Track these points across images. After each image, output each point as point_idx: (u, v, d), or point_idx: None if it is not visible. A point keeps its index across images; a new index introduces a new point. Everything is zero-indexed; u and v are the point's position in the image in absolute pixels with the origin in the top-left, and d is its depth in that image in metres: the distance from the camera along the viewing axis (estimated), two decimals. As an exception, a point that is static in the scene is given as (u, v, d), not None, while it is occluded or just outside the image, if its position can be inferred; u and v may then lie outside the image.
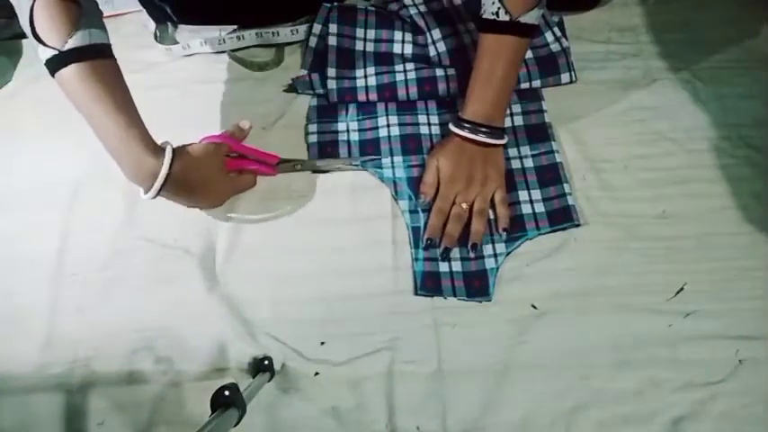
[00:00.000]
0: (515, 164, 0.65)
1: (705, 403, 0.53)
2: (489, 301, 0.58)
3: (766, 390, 0.54)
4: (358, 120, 0.69)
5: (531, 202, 0.63)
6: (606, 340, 0.56)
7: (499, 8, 0.57)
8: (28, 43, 0.79)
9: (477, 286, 0.59)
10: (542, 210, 0.63)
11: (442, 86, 0.68)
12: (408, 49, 0.72)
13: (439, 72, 0.69)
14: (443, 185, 0.62)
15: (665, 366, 0.55)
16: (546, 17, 0.71)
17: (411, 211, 0.63)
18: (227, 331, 0.58)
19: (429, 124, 0.68)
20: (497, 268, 0.60)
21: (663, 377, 0.54)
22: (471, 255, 0.60)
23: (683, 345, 0.56)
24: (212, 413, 0.40)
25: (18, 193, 0.67)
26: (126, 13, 0.80)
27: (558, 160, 0.65)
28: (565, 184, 0.63)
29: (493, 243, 0.61)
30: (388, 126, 0.68)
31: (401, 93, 0.68)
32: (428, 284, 0.59)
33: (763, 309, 0.57)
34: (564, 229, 0.61)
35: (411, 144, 0.67)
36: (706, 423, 0.52)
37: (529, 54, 0.69)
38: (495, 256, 0.60)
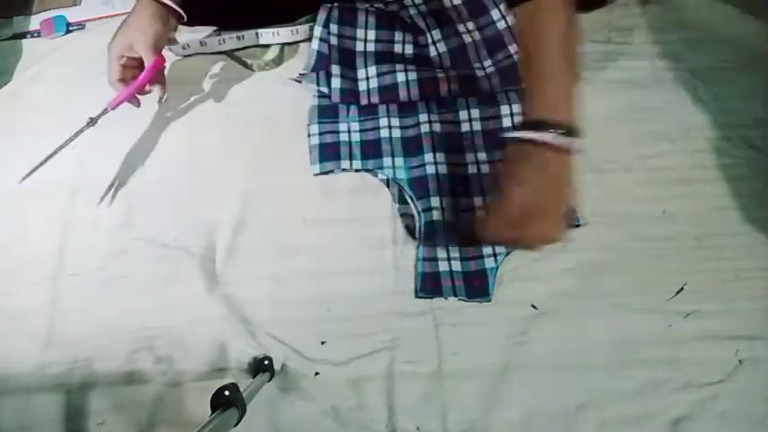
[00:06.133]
0: (515, 164, 0.65)
1: (705, 403, 0.53)
2: (489, 301, 0.58)
3: (766, 390, 0.54)
4: (359, 121, 0.69)
5: (531, 202, 0.63)
6: (606, 340, 0.56)
7: None
8: (28, 43, 0.79)
9: (476, 286, 0.59)
10: (542, 210, 0.62)
11: (443, 87, 0.68)
12: (409, 50, 0.72)
13: (440, 73, 0.69)
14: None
15: (665, 366, 0.55)
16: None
17: (425, 210, 0.63)
18: (227, 331, 0.58)
19: (430, 122, 0.68)
20: (497, 268, 0.60)
21: (663, 377, 0.54)
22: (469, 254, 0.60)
23: (683, 345, 0.56)
24: (212, 413, 0.40)
25: (18, 193, 0.67)
26: (125, 14, 0.79)
27: (558, 160, 0.64)
28: (565, 185, 0.63)
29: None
30: (390, 128, 0.68)
31: (402, 94, 0.68)
32: (428, 286, 0.59)
33: (763, 309, 0.57)
34: (564, 229, 0.62)
35: (412, 146, 0.67)
36: (706, 423, 0.52)
37: (529, 54, 0.69)
38: (495, 255, 0.60)
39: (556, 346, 0.56)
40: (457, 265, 0.60)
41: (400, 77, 0.69)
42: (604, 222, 0.62)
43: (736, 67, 0.71)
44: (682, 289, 0.58)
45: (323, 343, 0.58)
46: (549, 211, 0.49)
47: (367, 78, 0.70)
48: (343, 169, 0.66)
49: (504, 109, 0.68)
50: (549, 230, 0.49)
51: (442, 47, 0.72)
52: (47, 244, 0.63)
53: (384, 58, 0.72)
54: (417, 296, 0.59)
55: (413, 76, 0.69)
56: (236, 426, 0.41)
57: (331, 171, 0.66)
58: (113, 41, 0.63)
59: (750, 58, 0.71)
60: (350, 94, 0.70)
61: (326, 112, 0.70)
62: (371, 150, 0.67)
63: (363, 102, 0.69)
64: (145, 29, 0.62)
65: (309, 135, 0.68)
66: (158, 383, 0.56)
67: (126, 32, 0.62)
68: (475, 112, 0.68)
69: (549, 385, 0.55)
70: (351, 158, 0.67)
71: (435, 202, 0.63)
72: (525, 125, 0.49)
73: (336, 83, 0.69)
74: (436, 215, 0.62)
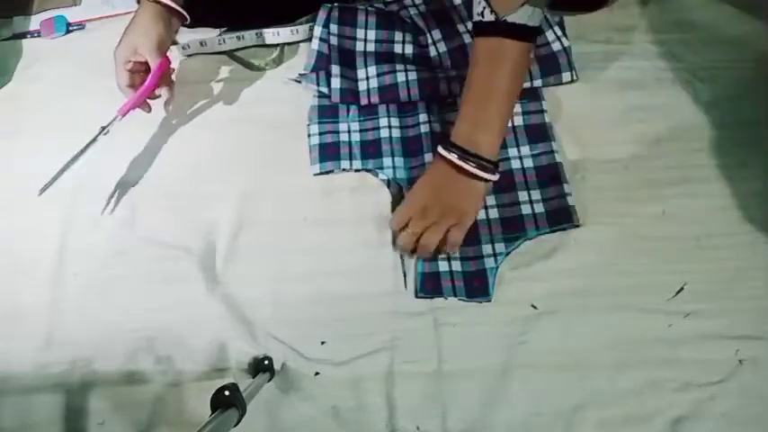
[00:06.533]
0: (515, 164, 0.65)
1: (705, 403, 0.53)
2: (489, 301, 0.58)
3: (766, 390, 0.54)
4: (359, 120, 0.69)
5: (531, 202, 0.63)
6: (606, 340, 0.56)
7: (485, 7, 0.52)
8: (28, 43, 0.79)
9: (476, 286, 0.59)
10: (542, 210, 0.62)
11: (443, 87, 0.68)
12: (409, 50, 0.73)
13: (440, 73, 0.69)
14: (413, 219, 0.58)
15: (665, 366, 0.55)
16: (547, 16, 0.71)
17: None
18: (227, 331, 0.58)
19: (430, 122, 0.68)
20: (497, 268, 0.60)
21: (663, 377, 0.54)
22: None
23: (682, 345, 0.56)
24: (212, 413, 0.40)
25: (18, 193, 0.67)
26: (126, 14, 0.80)
27: (557, 160, 0.65)
28: (564, 185, 0.63)
29: (492, 243, 0.61)
30: (390, 128, 0.68)
31: (402, 94, 0.68)
32: (428, 287, 0.59)
33: (763, 309, 0.57)
34: (563, 229, 0.61)
35: (412, 146, 0.67)
36: (706, 423, 0.52)
37: (529, 53, 0.69)
38: (495, 255, 0.60)
39: (555, 346, 0.56)
40: (457, 265, 0.60)
41: (400, 77, 0.69)
42: (604, 222, 0.62)
43: (736, 67, 0.71)
44: (682, 289, 0.58)
45: (323, 343, 0.58)
46: (455, 216, 0.57)
47: (367, 78, 0.70)
48: (343, 169, 0.66)
49: (504, 109, 0.68)
50: (452, 230, 0.57)
51: (442, 47, 0.72)
52: (47, 244, 0.63)
53: (384, 58, 0.72)
54: (417, 296, 0.59)
55: (413, 76, 0.69)
56: (236, 426, 0.41)
57: (331, 171, 0.66)
58: (118, 47, 0.63)
59: (750, 58, 0.71)
60: (350, 94, 0.70)
61: (326, 112, 0.70)
62: (371, 150, 0.67)
63: (363, 102, 0.69)
64: (147, 31, 0.62)
65: (309, 135, 0.68)
66: (158, 383, 0.56)
67: (129, 36, 0.62)
68: (475, 112, 0.68)
69: (549, 385, 0.55)
70: (351, 158, 0.67)
71: (435, 202, 0.63)
72: (454, 146, 0.56)
73: (336, 83, 0.69)
74: (436, 215, 0.62)
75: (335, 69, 0.70)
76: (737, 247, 0.60)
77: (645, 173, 0.64)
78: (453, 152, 0.56)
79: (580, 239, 0.61)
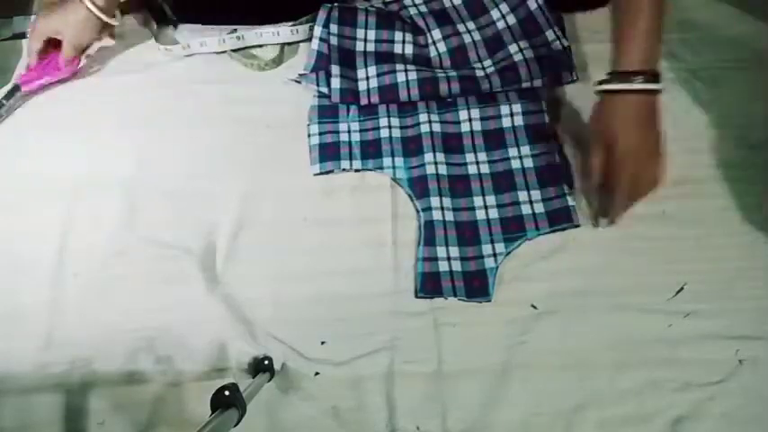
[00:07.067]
0: (515, 164, 0.65)
1: (705, 403, 0.53)
2: (489, 301, 0.58)
3: (766, 390, 0.54)
4: (359, 120, 0.69)
5: (531, 202, 0.63)
6: (606, 340, 0.56)
7: None
8: (28, 43, 0.78)
9: (476, 286, 0.59)
10: (542, 210, 0.62)
11: (443, 87, 0.68)
12: (409, 50, 0.73)
13: (440, 73, 0.69)
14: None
15: (665, 366, 0.55)
16: (547, 16, 0.71)
17: (425, 210, 0.63)
18: (227, 331, 0.58)
19: (430, 122, 0.68)
20: (497, 268, 0.60)
21: (663, 377, 0.54)
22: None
23: (682, 345, 0.56)
24: (212, 413, 0.40)
25: (18, 193, 0.67)
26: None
27: (557, 160, 0.65)
28: (565, 185, 0.63)
29: (492, 243, 0.61)
30: (390, 127, 0.68)
31: (402, 94, 0.68)
32: (428, 287, 0.59)
33: (763, 309, 0.57)
34: (563, 229, 0.62)
35: (412, 146, 0.67)
36: (706, 423, 0.52)
37: (529, 53, 0.69)
38: (495, 255, 0.60)
39: (555, 346, 0.56)
40: (457, 266, 0.60)
41: (400, 77, 0.69)
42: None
43: (736, 67, 0.71)
44: (682, 289, 0.58)
45: (323, 343, 0.58)
46: (656, 149, 0.55)
47: (367, 78, 0.70)
48: (344, 169, 0.66)
49: (504, 109, 0.68)
50: (660, 169, 0.55)
51: (442, 47, 0.72)
52: (47, 244, 0.63)
53: (384, 58, 0.72)
54: (417, 296, 0.59)
55: (413, 76, 0.69)
56: (236, 426, 0.41)
57: (331, 171, 0.66)
58: (44, 19, 0.67)
59: (750, 58, 0.71)
60: (350, 94, 0.70)
61: (326, 112, 0.70)
62: (371, 150, 0.67)
63: (363, 102, 0.69)
64: (78, 29, 0.66)
65: (309, 135, 0.68)
66: (158, 383, 0.56)
67: (59, 23, 0.66)
68: (475, 112, 0.68)
69: (549, 385, 0.55)
70: (351, 158, 0.67)
71: (435, 202, 0.63)
72: (614, 77, 0.55)
73: (336, 83, 0.69)
74: (436, 215, 0.62)
75: (335, 69, 0.70)
76: (737, 247, 0.60)
77: (645, 173, 0.64)
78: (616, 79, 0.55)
79: (580, 239, 0.61)
